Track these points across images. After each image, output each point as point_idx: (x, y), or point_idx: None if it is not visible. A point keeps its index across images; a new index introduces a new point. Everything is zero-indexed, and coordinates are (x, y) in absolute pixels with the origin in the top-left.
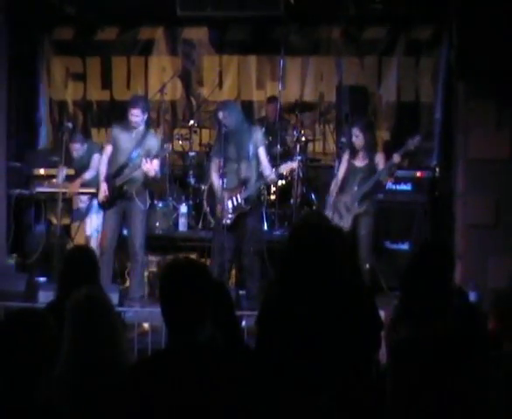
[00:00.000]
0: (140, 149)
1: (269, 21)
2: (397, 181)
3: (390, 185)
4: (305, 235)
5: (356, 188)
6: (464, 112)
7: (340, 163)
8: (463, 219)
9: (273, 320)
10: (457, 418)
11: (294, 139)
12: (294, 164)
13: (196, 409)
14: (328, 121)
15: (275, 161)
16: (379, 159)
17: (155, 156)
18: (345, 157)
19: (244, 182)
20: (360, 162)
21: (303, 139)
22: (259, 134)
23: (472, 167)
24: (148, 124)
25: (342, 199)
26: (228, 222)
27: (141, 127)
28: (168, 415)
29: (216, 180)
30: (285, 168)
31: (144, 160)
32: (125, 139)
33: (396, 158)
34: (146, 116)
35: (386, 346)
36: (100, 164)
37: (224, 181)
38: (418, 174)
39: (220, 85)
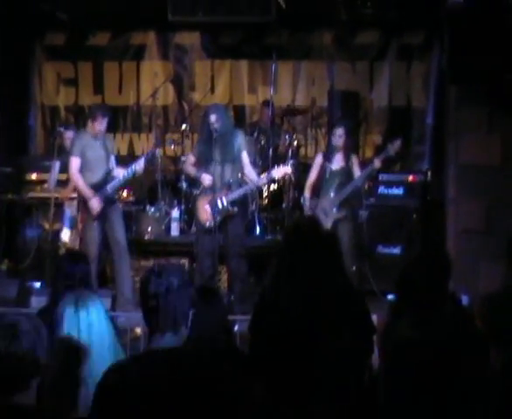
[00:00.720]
0: (110, 154)
1: (261, 26)
2: (390, 185)
3: (382, 189)
4: (298, 239)
5: (332, 194)
6: (455, 117)
7: (312, 167)
8: (455, 224)
9: (266, 325)
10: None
11: (287, 143)
12: (287, 169)
13: (175, 414)
14: (319, 126)
15: (267, 165)
16: (354, 160)
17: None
18: (318, 161)
19: (228, 185)
20: (336, 165)
21: (295, 143)
22: (242, 138)
23: (463, 172)
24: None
25: (320, 204)
26: (213, 224)
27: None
28: (153, 413)
29: (191, 170)
30: (278, 173)
31: (140, 161)
32: (94, 147)
33: (376, 163)
34: None
35: (379, 351)
36: (76, 180)
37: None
38: (411, 178)
39: (212, 89)
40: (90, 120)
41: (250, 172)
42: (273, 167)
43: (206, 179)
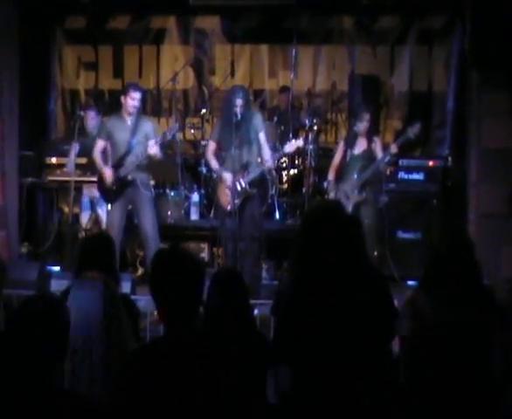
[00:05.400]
0: (138, 136)
1: (281, 10)
2: (410, 170)
3: (402, 174)
4: (318, 221)
5: (355, 176)
6: (477, 100)
7: (336, 152)
8: (476, 209)
9: (288, 309)
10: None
11: (307, 128)
12: (299, 142)
13: (191, 396)
14: (340, 110)
15: None
16: (377, 143)
17: (164, 136)
18: (340, 146)
19: (245, 167)
20: (358, 150)
21: (315, 128)
22: (259, 119)
23: (485, 156)
24: (141, 111)
25: (342, 187)
26: (233, 208)
27: (135, 114)
28: (164, 402)
29: (213, 162)
30: (290, 147)
31: (151, 143)
32: (120, 129)
33: (393, 148)
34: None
35: (400, 335)
36: (94, 156)
37: (226, 166)
38: (431, 163)
39: (232, 74)
40: (131, 91)
41: (266, 152)
42: (284, 142)
43: (227, 179)
